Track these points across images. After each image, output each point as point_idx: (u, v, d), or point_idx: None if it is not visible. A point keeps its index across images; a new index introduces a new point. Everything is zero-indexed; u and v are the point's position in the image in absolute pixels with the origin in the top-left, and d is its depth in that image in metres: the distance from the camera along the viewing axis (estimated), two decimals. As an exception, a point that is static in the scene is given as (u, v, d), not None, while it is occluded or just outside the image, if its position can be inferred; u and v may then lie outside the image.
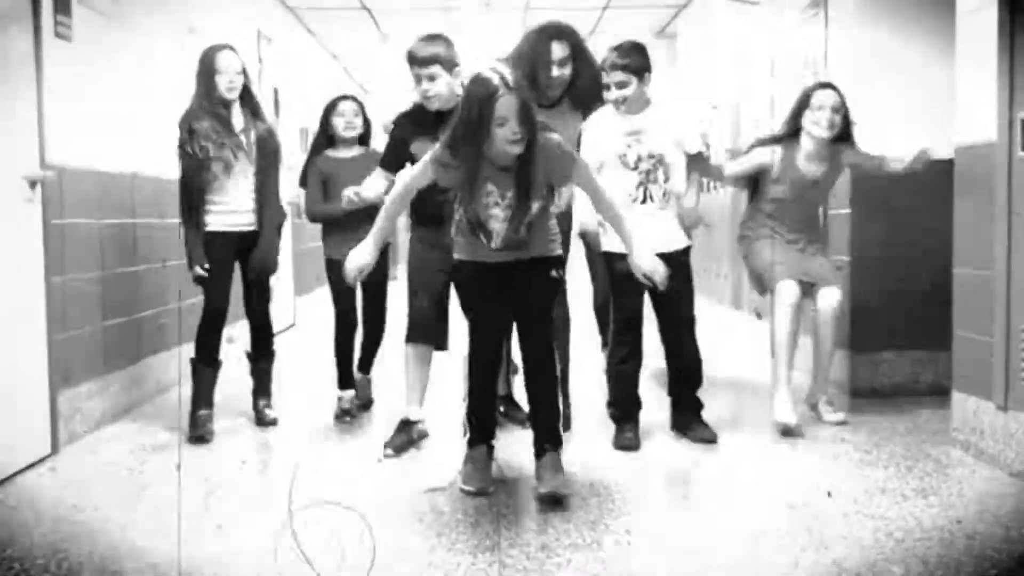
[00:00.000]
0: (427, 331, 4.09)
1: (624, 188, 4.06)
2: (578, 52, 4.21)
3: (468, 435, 3.58)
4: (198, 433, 4.21)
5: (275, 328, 7.02)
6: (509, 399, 4.46)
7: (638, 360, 4.17)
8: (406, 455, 3.99)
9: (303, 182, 4.82)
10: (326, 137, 4.80)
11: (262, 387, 4.59)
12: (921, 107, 4.82)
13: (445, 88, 3.93)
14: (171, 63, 5.20)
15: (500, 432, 3.91)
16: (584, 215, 4.26)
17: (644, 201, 4.08)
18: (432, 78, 3.91)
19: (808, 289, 4.38)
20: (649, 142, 4.08)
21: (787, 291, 4.29)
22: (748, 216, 4.62)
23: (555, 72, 4.15)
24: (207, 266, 4.25)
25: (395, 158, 4.07)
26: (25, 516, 3.28)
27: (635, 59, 4.05)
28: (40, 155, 3.90)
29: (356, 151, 4.77)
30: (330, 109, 4.79)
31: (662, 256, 4.07)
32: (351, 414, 4.63)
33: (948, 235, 4.08)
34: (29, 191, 3.81)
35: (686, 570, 2.75)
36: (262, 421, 4.50)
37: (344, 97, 4.86)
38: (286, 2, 8.56)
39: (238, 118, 4.33)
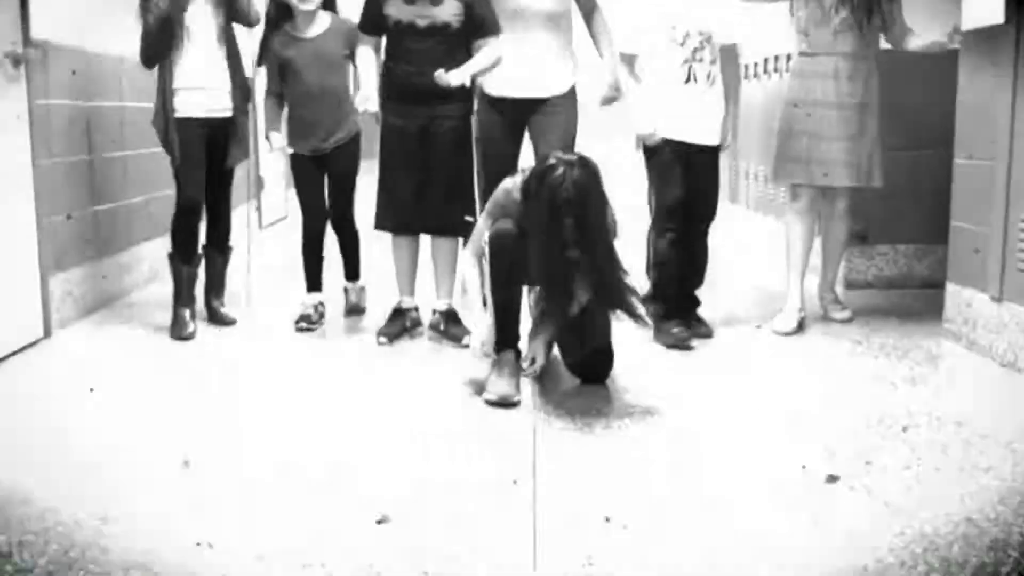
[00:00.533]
0: (399, 218, 3.90)
1: (669, 65, 3.88)
2: None
3: (495, 342, 3.32)
4: (179, 334, 4.02)
5: (268, 220, 6.93)
6: (451, 315, 4.04)
7: (680, 250, 3.98)
8: (399, 342, 3.98)
9: (260, 61, 4.18)
10: (282, 8, 4.01)
11: (216, 284, 4.34)
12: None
13: None
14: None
15: (443, 347, 3.89)
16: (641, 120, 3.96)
17: (688, 80, 3.88)
18: None
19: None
20: (701, 19, 3.86)
21: (800, 203, 4.21)
22: (793, 73, 4.24)
23: None
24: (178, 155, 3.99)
25: (372, 21, 3.81)
26: (18, 399, 3.28)
27: None
28: (23, 31, 3.79)
29: (319, 27, 4.01)
30: None
31: (696, 148, 3.97)
32: (311, 320, 4.17)
33: (946, 127, 4.02)
34: (12, 69, 3.72)
35: (676, 447, 2.78)
36: (219, 320, 4.25)
37: None
38: None
39: None
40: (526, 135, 4.03)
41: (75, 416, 3.06)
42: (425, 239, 4.02)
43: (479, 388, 3.29)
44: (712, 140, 3.99)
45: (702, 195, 4.02)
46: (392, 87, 3.83)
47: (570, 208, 3.01)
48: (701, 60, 3.87)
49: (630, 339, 3.77)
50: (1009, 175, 3.58)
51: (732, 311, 4.52)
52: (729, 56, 4.03)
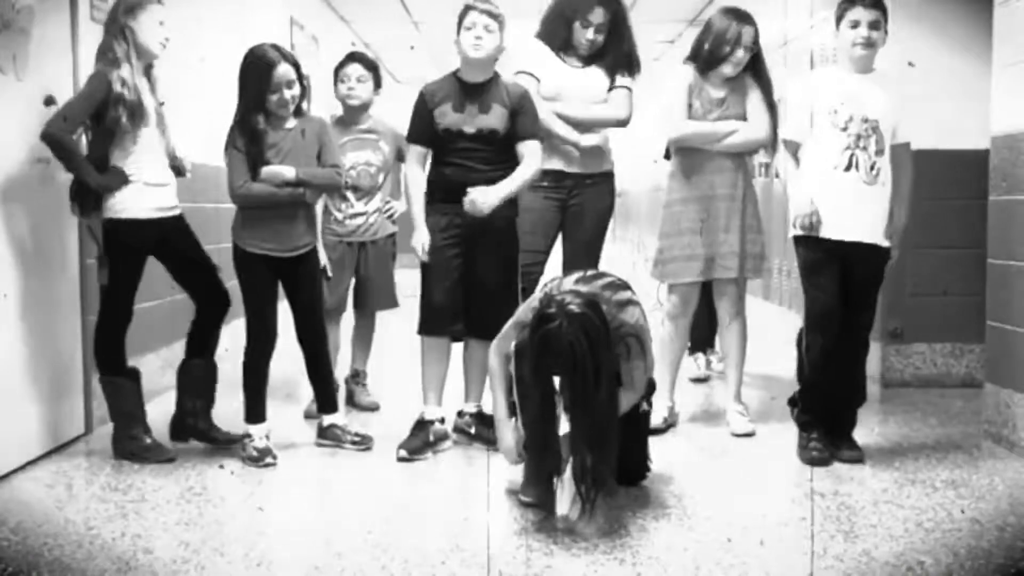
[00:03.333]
0: (442, 321, 3.78)
1: (830, 151, 3.61)
2: (618, 22, 4.17)
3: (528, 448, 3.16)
4: (158, 457, 3.69)
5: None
6: (480, 416, 3.91)
7: (834, 361, 3.66)
8: (422, 458, 3.72)
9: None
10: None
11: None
12: (959, 99, 4.76)
13: (494, 48, 3.72)
14: (205, 47, 5.23)
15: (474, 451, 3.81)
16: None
17: (848, 168, 3.58)
18: (489, 30, 3.68)
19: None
20: (866, 105, 3.61)
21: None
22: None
23: (590, 35, 4.12)
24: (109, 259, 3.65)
25: (423, 129, 3.79)
26: (59, 494, 3.33)
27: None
28: (76, 139, 3.93)
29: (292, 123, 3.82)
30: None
31: (854, 245, 3.61)
32: (270, 455, 3.68)
33: (981, 226, 4.05)
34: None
35: (713, 556, 2.75)
36: (213, 438, 3.89)
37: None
38: (319, -11, 8.61)
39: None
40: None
41: (115, 509, 3.09)
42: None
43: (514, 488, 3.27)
44: (872, 238, 3.63)
45: (856, 304, 3.68)
46: (439, 188, 3.80)
47: (559, 368, 2.87)
48: (865, 149, 3.61)
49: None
50: (1044, 276, 3.59)
51: (769, 407, 4.50)
52: (904, 157, 3.72)
